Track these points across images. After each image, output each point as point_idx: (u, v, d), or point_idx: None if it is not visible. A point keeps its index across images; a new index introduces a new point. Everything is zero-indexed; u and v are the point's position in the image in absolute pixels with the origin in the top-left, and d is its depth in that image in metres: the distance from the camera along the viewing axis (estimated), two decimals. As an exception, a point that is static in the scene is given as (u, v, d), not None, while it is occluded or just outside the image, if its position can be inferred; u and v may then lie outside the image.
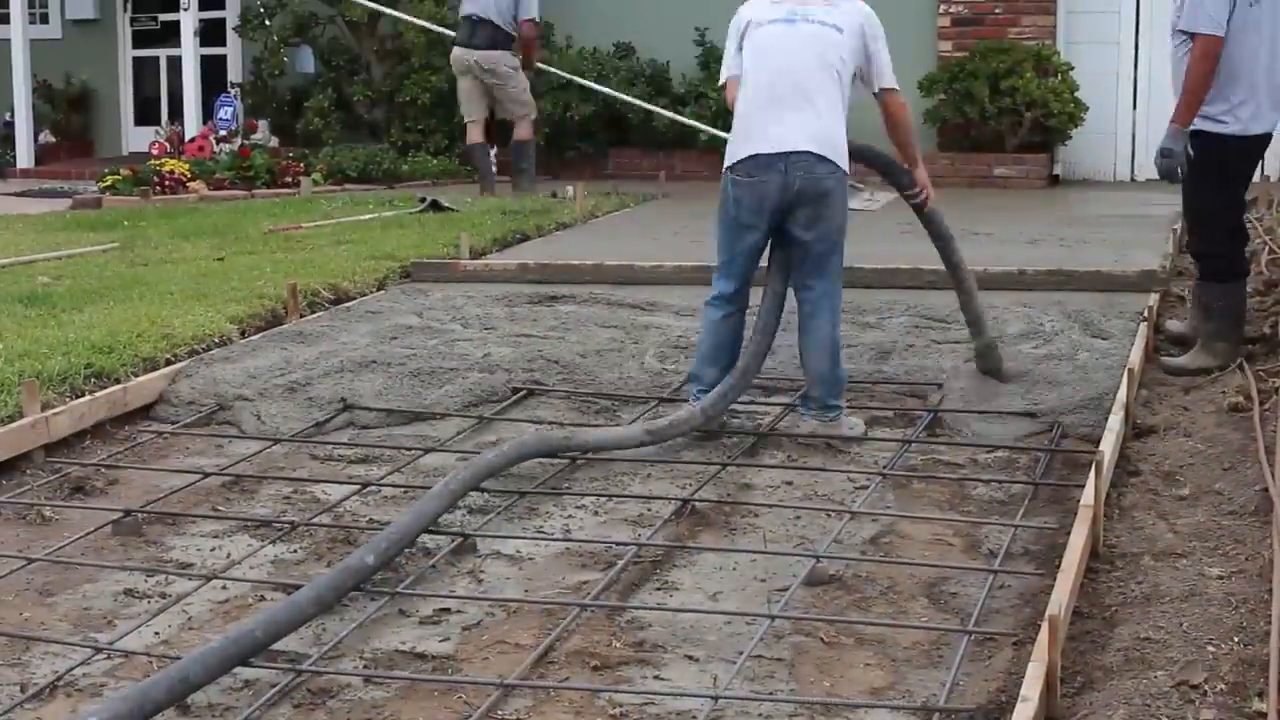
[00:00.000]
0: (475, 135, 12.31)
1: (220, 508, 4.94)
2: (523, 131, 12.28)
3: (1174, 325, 6.96)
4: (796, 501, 4.91)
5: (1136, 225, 10.07)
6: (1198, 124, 6.07)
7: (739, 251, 5.60)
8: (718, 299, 5.66)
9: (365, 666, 3.67)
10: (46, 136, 16.58)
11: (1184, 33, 6.05)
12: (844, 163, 5.49)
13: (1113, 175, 13.77)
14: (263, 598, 4.13)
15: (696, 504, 4.84)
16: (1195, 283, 6.54)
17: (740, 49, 5.62)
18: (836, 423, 5.55)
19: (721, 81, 5.80)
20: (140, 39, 17.21)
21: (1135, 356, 6.15)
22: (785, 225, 5.49)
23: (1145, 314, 6.93)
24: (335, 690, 3.52)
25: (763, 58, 5.51)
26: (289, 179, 13.95)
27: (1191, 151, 6.08)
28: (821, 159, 5.41)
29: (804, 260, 5.53)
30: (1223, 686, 3.27)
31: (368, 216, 11.07)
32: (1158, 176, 6.43)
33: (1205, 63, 5.97)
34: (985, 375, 6.03)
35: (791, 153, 5.40)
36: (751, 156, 5.46)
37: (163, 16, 16.77)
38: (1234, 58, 6.01)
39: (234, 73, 16.12)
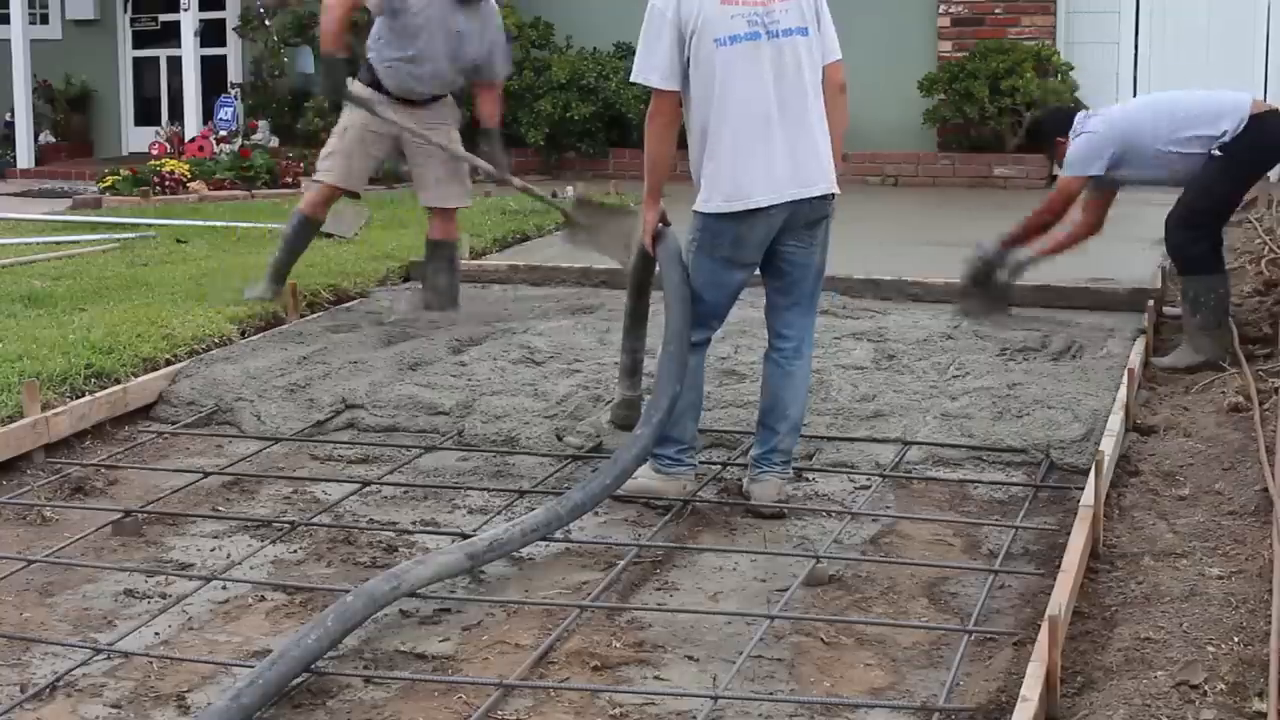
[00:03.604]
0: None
1: (220, 508, 4.94)
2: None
3: (1170, 309, 7.12)
4: (797, 502, 4.91)
5: (1135, 225, 10.06)
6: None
7: (733, 289, 4.83)
8: (705, 343, 4.90)
9: (365, 666, 3.67)
10: (46, 136, 16.57)
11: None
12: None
13: (1113, 175, 13.76)
14: (263, 598, 4.13)
15: (697, 504, 4.84)
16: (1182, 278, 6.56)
17: (681, 53, 4.63)
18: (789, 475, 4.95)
19: (657, 86, 4.67)
20: (140, 39, 17.19)
21: (1135, 357, 6.15)
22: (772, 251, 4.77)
23: (1146, 311, 6.91)
24: (335, 690, 3.52)
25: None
26: (289, 179, 13.94)
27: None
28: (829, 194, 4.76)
29: (792, 290, 4.82)
30: (1223, 686, 3.27)
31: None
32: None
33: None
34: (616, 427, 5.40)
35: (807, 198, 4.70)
36: (762, 209, 4.64)
37: (163, 17, 16.76)
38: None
39: (234, 73, 16.11)
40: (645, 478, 4.87)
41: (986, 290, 7.01)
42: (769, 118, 4.62)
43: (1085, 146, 6.48)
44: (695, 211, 4.75)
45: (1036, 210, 6.85)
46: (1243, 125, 6.27)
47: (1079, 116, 6.66)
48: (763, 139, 4.62)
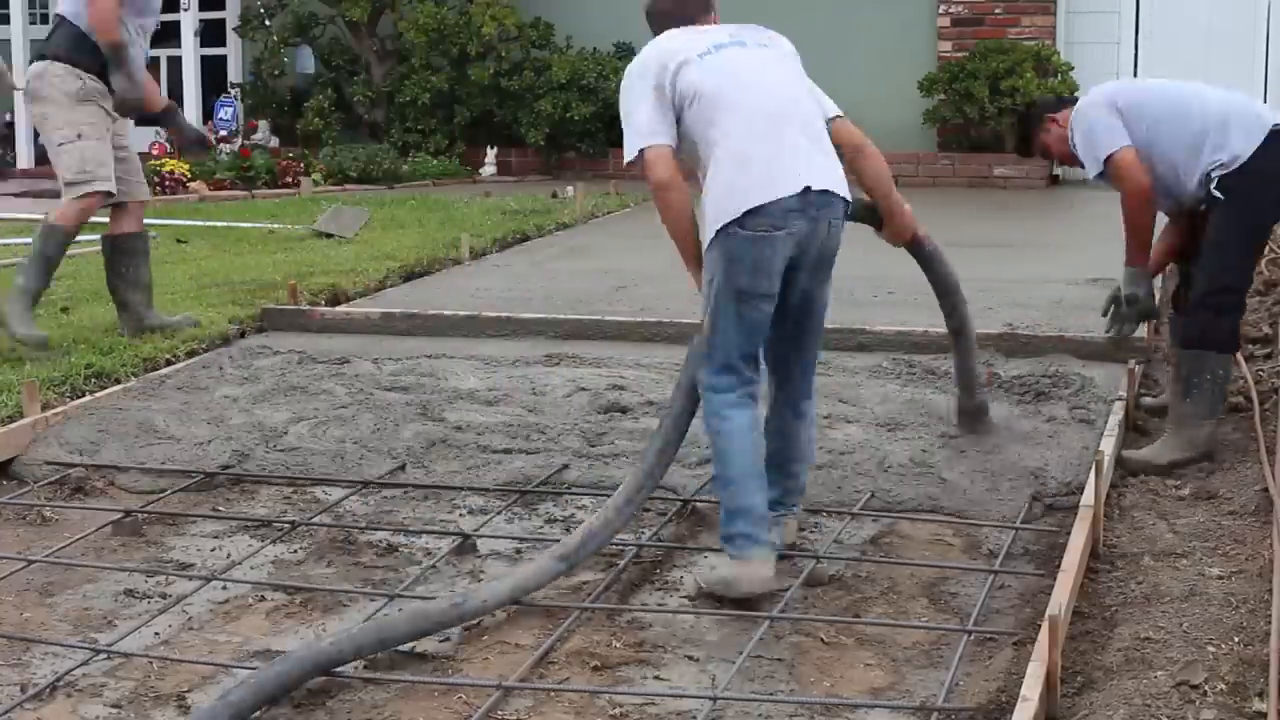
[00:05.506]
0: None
1: (220, 508, 4.94)
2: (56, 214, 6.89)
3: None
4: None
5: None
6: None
7: (759, 329, 4.18)
8: (746, 399, 4.20)
9: (365, 666, 3.66)
10: (47, 137, 16.59)
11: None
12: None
13: (1113, 175, 13.77)
14: (263, 598, 4.13)
15: (697, 504, 4.84)
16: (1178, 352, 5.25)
17: (667, 103, 4.13)
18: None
19: (640, 148, 4.13)
20: (140, 39, 17.20)
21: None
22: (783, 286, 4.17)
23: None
24: (335, 690, 3.52)
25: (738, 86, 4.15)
26: (289, 179, 13.98)
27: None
28: (844, 201, 4.22)
29: (804, 327, 4.32)
30: (1223, 686, 3.27)
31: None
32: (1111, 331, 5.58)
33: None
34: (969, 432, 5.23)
35: (824, 192, 4.12)
36: (774, 201, 4.04)
37: (163, 16, 16.76)
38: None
39: (234, 73, 16.14)
40: (723, 567, 4.13)
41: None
42: (771, 113, 4.14)
43: (1103, 121, 5.09)
44: (709, 245, 4.11)
45: (1133, 215, 5.21)
46: (1253, 151, 4.91)
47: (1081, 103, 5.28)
48: (770, 137, 4.10)
